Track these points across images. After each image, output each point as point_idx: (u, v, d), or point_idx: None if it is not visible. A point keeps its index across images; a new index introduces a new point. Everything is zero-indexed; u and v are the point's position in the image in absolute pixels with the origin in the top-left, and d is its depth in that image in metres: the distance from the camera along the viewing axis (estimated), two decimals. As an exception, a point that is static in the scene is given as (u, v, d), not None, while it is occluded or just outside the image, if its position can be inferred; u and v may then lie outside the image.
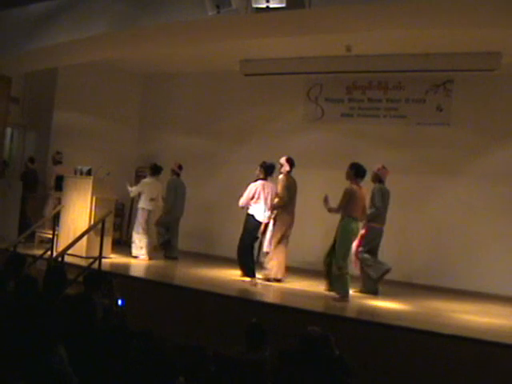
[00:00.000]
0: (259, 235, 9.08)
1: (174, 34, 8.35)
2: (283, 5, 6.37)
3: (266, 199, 8.92)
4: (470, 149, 10.20)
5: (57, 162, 11.58)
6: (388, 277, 10.17)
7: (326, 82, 11.35)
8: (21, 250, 9.19)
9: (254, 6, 6.52)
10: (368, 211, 8.63)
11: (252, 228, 8.97)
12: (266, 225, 9.08)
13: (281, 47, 10.03)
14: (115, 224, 11.47)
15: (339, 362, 4.47)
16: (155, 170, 10.82)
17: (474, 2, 6.22)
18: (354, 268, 8.76)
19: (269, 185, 9.04)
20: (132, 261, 10.38)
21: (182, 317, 7.48)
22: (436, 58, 9.73)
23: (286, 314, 7.04)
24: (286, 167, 9.28)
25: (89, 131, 12.37)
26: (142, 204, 10.61)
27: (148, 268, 9.97)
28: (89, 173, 10.14)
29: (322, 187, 10.95)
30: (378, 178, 8.95)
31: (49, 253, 9.22)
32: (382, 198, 8.75)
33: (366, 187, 8.70)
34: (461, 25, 7.23)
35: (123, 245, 12.25)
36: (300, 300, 8.07)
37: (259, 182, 9.00)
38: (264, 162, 9.12)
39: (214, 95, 12.57)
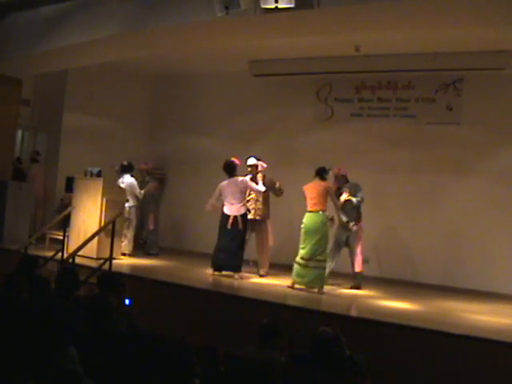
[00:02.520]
0: (229, 227, 9.39)
1: (183, 35, 8.38)
2: (292, 5, 6.38)
3: (232, 194, 9.41)
4: (480, 148, 10.16)
5: (33, 161, 11.65)
6: (399, 277, 10.20)
7: (336, 82, 11.34)
8: (32, 251, 9.25)
9: (263, 6, 6.53)
10: (352, 212, 9.12)
11: (222, 222, 9.49)
12: (235, 218, 9.39)
13: (290, 47, 10.02)
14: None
15: (350, 363, 4.47)
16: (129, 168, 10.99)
17: (483, 1, 6.21)
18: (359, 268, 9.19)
19: (234, 181, 9.49)
20: (142, 262, 10.43)
21: (191, 317, 7.49)
22: (445, 57, 9.69)
23: (296, 314, 7.05)
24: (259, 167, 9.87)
25: (99, 132, 12.42)
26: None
27: (157, 269, 9.99)
28: (99, 174, 10.18)
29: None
30: (345, 178, 9.42)
31: (60, 254, 9.27)
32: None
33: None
34: (470, 23, 7.20)
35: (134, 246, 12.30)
36: (308, 299, 8.09)
37: (223, 182, 9.56)
38: (230, 163, 9.63)
39: (223, 96, 12.58)
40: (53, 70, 11.00)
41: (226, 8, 6.65)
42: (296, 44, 9.63)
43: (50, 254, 9.47)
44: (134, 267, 9.77)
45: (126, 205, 10.57)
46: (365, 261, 10.35)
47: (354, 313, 7.32)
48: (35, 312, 3.52)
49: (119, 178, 10.72)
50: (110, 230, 9.20)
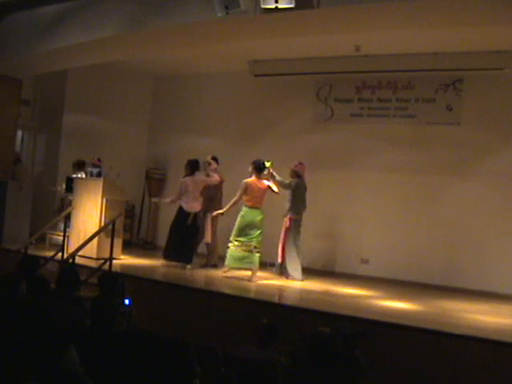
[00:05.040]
0: (188, 223, 9.86)
1: (183, 35, 8.37)
2: (292, 5, 6.38)
3: (192, 192, 9.86)
4: (480, 148, 10.15)
5: (16, 161, 11.68)
6: (399, 277, 10.20)
7: (336, 82, 11.32)
8: (32, 251, 9.25)
9: (263, 6, 6.54)
10: (287, 205, 9.67)
11: (182, 218, 9.90)
12: (196, 215, 9.89)
13: (290, 47, 10.02)
14: (125, 225, 11.51)
15: (349, 362, 4.47)
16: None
17: (484, 1, 6.21)
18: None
19: (195, 179, 9.97)
20: (142, 262, 10.45)
21: (191, 317, 7.49)
22: (445, 57, 9.69)
23: (295, 315, 7.04)
24: (214, 165, 10.36)
25: (99, 133, 12.42)
26: None
27: (157, 269, 10.00)
28: (99, 174, 10.19)
29: (331, 187, 11.01)
30: (296, 174, 9.78)
31: (60, 254, 9.27)
32: (296, 191, 9.65)
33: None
34: (470, 24, 7.20)
35: (134, 246, 12.32)
36: (307, 299, 8.10)
37: (186, 178, 10.01)
38: (189, 160, 10.10)
39: (223, 96, 12.56)
40: (53, 70, 10.99)
41: (226, 8, 6.65)
42: (296, 44, 9.63)
43: (50, 254, 9.47)
44: (133, 267, 9.77)
45: None
46: (364, 261, 10.45)
47: (353, 313, 7.30)
48: (35, 312, 3.52)
49: (75, 174, 10.87)
50: (110, 230, 9.20)
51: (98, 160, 11.24)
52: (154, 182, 13.01)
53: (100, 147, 12.09)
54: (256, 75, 11.51)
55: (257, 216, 9.22)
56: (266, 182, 9.35)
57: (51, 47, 9.14)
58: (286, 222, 9.66)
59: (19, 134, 12.15)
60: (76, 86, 12.12)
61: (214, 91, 12.69)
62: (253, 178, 9.30)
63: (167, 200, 10.39)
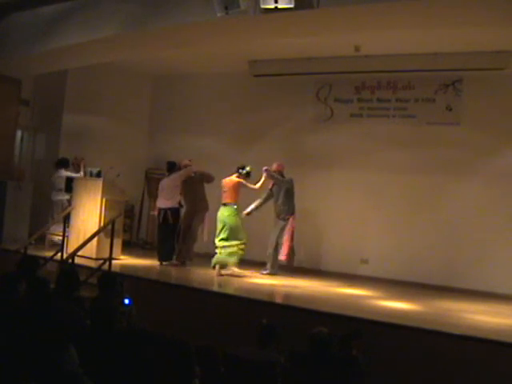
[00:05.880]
0: (160, 220, 10.17)
1: (183, 35, 8.38)
2: (291, 5, 6.38)
3: (168, 188, 10.19)
4: (480, 148, 10.14)
5: None
6: (399, 277, 10.20)
7: (335, 82, 11.32)
8: (31, 251, 9.24)
9: (263, 6, 6.54)
10: (285, 206, 9.85)
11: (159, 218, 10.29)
12: (166, 212, 10.04)
13: (289, 48, 10.02)
14: (125, 225, 11.51)
15: (349, 362, 4.47)
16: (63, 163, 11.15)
17: (484, 1, 6.21)
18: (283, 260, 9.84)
19: (170, 177, 10.32)
20: (141, 262, 10.44)
21: (191, 317, 7.49)
22: (445, 57, 9.70)
23: (295, 314, 7.04)
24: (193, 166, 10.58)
25: (99, 133, 12.40)
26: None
27: (157, 269, 9.99)
28: (99, 174, 10.18)
29: (331, 187, 11.01)
30: (281, 174, 10.00)
31: (59, 254, 9.26)
32: (291, 190, 9.90)
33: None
34: (470, 23, 7.21)
35: (133, 246, 12.31)
36: (307, 299, 8.10)
37: (163, 179, 10.48)
38: (168, 162, 10.58)
39: (223, 96, 12.56)
40: (53, 70, 10.99)
41: (226, 8, 6.66)
42: (296, 44, 9.63)
43: (49, 254, 9.46)
44: (133, 267, 9.76)
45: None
46: (364, 261, 10.46)
47: (353, 313, 7.29)
48: (35, 312, 3.52)
49: (55, 173, 10.95)
50: (109, 230, 9.20)
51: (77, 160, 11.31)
52: (154, 182, 12.97)
53: (100, 147, 12.10)
54: (256, 75, 11.51)
55: (223, 212, 9.53)
56: (236, 179, 9.67)
57: (51, 47, 9.13)
58: (292, 222, 9.80)
59: (18, 133, 12.13)
60: (76, 86, 12.11)
61: (213, 91, 12.69)
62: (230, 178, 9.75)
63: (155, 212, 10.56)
